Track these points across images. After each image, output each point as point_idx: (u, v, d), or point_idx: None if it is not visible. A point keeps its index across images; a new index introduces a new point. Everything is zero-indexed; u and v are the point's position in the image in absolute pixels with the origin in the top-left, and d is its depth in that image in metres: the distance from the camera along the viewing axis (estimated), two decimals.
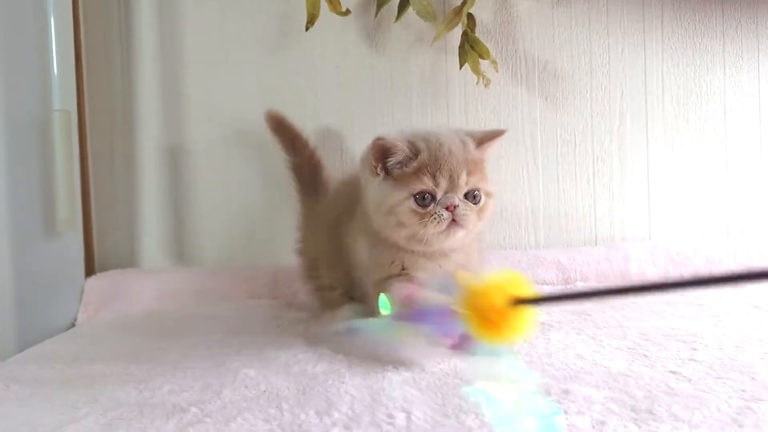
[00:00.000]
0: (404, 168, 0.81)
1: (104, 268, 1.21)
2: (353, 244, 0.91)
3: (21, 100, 0.97)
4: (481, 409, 0.57)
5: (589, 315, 0.95)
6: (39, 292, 1.00)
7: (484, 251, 0.97)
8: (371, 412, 0.60)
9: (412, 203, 0.80)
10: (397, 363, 0.73)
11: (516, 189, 1.29)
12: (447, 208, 0.80)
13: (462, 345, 0.70)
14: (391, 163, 0.81)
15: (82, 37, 1.19)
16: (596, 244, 1.29)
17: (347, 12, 1.16)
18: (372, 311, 0.83)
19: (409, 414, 0.59)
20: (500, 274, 0.53)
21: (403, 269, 0.85)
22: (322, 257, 1.02)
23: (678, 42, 1.29)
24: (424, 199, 0.80)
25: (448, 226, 0.80)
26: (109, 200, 1.25)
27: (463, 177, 0.81)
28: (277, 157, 1.14)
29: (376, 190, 0.83)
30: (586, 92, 1.29)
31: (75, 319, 1.10)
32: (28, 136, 0.99)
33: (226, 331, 0.94)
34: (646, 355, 0.74)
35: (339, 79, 1.26)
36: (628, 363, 0.71)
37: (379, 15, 1.21)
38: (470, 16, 1.19)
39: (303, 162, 1.12)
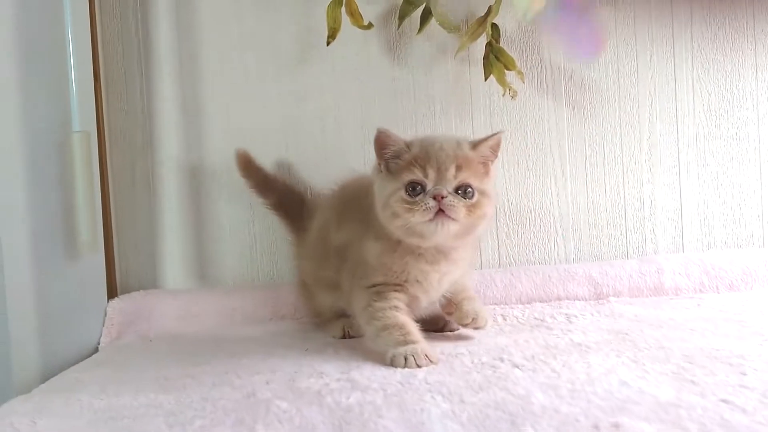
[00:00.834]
0: (398, 161, 0.87)
1: (126, 290, 1.19)
2: (357, 244, 0.93)
3: (40, 122, 0.95)
4: None
5: (626, 335, 0.92)
6: (61, 317, 0.98)
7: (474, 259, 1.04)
8: None
9: (402, 193, 0.85)
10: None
11: (544, 201, 1.26)
12: (435, 198, 0.83)
13: None
14: (388, 155, 0.88)
15: (100, 56, 1.18)
16: (627, 257, 1.26)
17: (370, 26, 1.14)
18: (355, 309, 0.92)
19: None
20: None
21: (406, 281, 0.90)
22: (314, 283, 1.06)
23: (708, 47, 1.26)
24: (414, 189, 0.85)
25: (436, 216, 0.83)
26: (130, 221, 1.23)
27: (452, 170, 0.85)
28: (300, 174, 1.12)
29: (379, 187, 0.89)
30: (614, 101, 1.26)
31: (98, 343, 1.08)
32: (48, 158, 0.97)
33: (254, 356, 0.92)
34: (693, 381, 0.71)
35: (361, 93, 1.24)
36: (676, 391, 0.68)
37: (401, 27, 1.19)
38: (494, 26, 1.16)
39: (279, 201, 1.16)
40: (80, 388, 0.82)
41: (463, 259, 0.94)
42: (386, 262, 0.90)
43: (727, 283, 1.18)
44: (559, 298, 1.18)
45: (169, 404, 0.73)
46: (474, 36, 1.16)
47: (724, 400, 0.65)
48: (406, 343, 0.84)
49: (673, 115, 1.26)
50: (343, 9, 1.12)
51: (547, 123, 1.25)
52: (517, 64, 1.16)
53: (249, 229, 1.25)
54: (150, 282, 1.23)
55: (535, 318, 1.07)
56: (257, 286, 1.22)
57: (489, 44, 1.16)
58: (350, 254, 0.95)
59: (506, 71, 1.16)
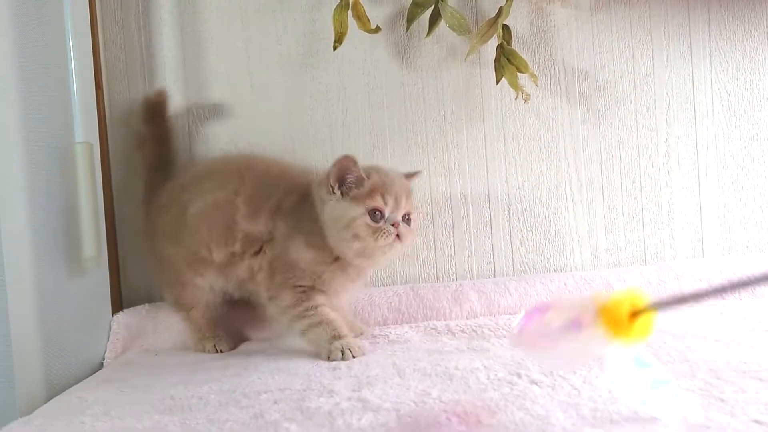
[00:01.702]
0: (359, 188, 0.95)
1: (131, 303, 1.17)
2: (282, 242, 0.99)
3: (41, 133, 0.93)
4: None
5: (648, 346, 0.88)
6: (66, 333, 0.95)
7: None
8: None
9: (367, 218, 0.94)
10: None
11: (559, 207, 1.22)
12: (393, 225, 0.94)
13: None
14: (350, 180, 0.95)
15: (102, 65, 1.16)
16: (646, 263, 1.23)
17: (377, 29, 1.11)
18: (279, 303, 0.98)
19: None
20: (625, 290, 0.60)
21: (329, 289, 0.99)
22: (189, 266, 1.05)
23: (726, 46, 1.22)
24: (375, 215, 0.94)
25: (393, 240, 0.94)
26: (133, 233, 1.19)
27: (403, 200, 0.97)
28: None
29: (334, 209, 0.95)
30: (630, 102, 1.22)
31: (103, 358, 1.06)
32: (50, 170, 0.95)
33: (262, 373, 0.89)
34: (722, 399, 0.68)
35: (369, 98, 1.21)
36: (705, 410, 0.65)
37: (409, 30, 1.16)
38: (506, 28, 1.13)
39: (157, 162, 1.16)
40: (83, 410, 0.79)
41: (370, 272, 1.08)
42: (317, 272, 0.98)
43: (750, 289, 1.14)
44: None
45: (174, 426, 0.71)
46: (484, 38, 1.13)
47: (756, 421, 0.61)
48: (340, 337, 0.95)
49: (691, 116, 1.23)
50: (350, 12, 1.09)
51: (560, 126, 1.22)
52: (530, 66, 1.12)
53: None
54: (155, 295, 1.20)
55: None
56: None
57: (500, 46, 1.13)
58: (271, 248, 1.00)
59: (519, 74, 1.12)
